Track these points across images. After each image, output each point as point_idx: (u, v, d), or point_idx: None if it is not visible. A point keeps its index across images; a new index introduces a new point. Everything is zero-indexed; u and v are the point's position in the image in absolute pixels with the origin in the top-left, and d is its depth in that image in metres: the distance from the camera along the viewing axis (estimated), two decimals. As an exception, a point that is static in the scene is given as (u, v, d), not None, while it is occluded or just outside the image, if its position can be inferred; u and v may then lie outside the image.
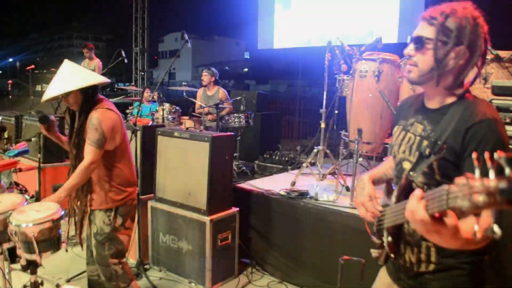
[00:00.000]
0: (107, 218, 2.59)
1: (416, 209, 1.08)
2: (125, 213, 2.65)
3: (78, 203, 2.62)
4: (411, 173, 1.33)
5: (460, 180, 0.90)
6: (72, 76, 2.52)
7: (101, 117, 2.46)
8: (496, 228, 0.90)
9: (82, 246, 2.75)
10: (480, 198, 0.83)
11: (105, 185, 2.58)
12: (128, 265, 2.76)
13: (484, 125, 1.30)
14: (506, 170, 0.81)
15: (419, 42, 1.40)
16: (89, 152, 2.44)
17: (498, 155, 0.82)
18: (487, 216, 0.89)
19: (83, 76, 2.52)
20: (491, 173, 0.82)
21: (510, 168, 0.81)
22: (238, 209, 3.73)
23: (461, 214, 0.92)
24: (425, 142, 1.41)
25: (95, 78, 2.58)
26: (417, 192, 1.10)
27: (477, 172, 0.86)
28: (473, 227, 0.95)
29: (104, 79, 2.63)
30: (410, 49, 1.44)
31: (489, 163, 0.83)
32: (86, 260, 2.85)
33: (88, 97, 2.52)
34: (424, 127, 1.46)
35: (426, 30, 1.39)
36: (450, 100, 1.42)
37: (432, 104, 1.48)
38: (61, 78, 2.53)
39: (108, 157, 2.56)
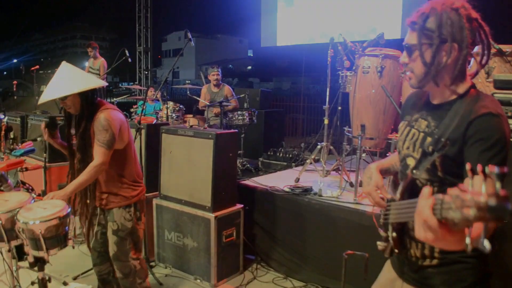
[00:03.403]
0: (128, 214, 2.65)
1: (422, 209, 1.03)
2: (140, 207, 2.74)
3: (88, 201, 2.63)
4: (414, 171, 1.33)
5: (453, 192, 0.90)
6: (70, 79, 2.49)
7: (109, 117, 2.46)
8: (486, 243, 0.88)
9: (89, 245, 2.76)
10: (471, 212, 0.84)
11: (121, 184, 2.63)
12: (145, 262, 2.83)
13: (485, 119, 1.27)
14: (496, 186, 0.81)
15: (408, 50, 1.42)
16: (99, 153, 2.44)
17: (490, 169, 0.83)
18: (478, 229, 0.88)
19: (81, 80, 2.49)
20: (483, 187, 0.83)
21: (501, 184, 0.81)
22: (242, 205, 3.75)
23: (454, 225, 0.91)
24: (429, 139, 1.40)
25: (93, 81, 2.56)
26: (426, 190, 1.05)
27: (470, 184, 0.86)
28: (465, 240, 0.92)
29: (101, 83, 2.63)
30: (403, 57, 1.45)
31: (481, 176, 0.84)
32: (92, 261, 2.85)
33: (88, 101, 2.48)
34: (428, 123, 1.45)
35: (411, 37, 1.40)
36: (454, 96, 1.41)
37: (436, 100, 1.47)
38: (59, 80, 2.50)
39: (119, 156, 2.59)
